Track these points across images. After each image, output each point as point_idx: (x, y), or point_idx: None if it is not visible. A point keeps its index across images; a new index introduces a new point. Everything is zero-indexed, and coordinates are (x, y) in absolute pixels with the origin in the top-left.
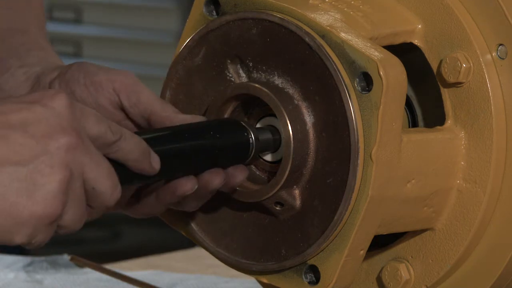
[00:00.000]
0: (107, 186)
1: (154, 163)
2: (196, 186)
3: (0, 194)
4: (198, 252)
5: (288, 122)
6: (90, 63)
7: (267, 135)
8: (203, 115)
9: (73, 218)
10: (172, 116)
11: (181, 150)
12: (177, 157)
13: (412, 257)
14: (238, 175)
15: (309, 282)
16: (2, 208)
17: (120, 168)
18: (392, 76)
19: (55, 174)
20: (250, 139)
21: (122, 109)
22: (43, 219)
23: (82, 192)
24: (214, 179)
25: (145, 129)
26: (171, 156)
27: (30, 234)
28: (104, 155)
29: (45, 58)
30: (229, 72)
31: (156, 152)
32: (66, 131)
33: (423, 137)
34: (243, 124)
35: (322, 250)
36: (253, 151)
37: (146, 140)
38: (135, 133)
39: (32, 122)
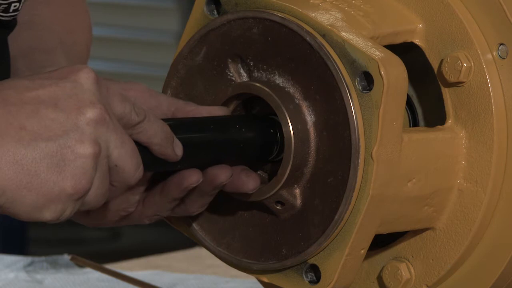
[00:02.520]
0: (130, 164)
1: (177, 149)
2: (201, 180)
3: (33, 171)
4: (199, 252)
5: (289, 121)
6: (102, 77)
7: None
8: None
9: (97, 194)
10: (197, 109)
11: (205, 140)
12: (200, 147)
13: (412, 256)
14: (251, 182)
15: (309, 281)
16: (34, 185)
17: (143, 151)
18: (393, 76)
19: (84, 149)
20: (275, 135)
21: None
22: (73, 195)
23: (107, 168)
24: (221, 174)
25: (170, 118)
26: (194, 145)
27: (60, 210)
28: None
29: None
30: (230, 72)
31: (180, 139)
32: (95, 105)
33: (424, 136)
34: (270, 120)
35: (323, 249)
36: (278, 148)
37: (171, 126)
38: (168, 119)
39: (62, 97)
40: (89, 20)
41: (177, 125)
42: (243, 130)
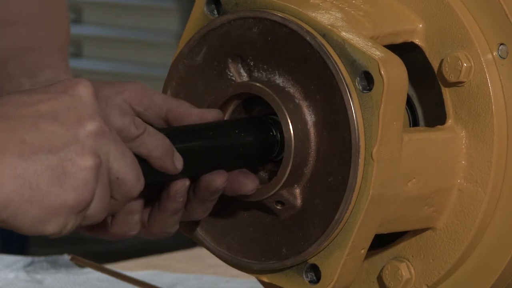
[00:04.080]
0: (131, 176)
1: (177, 162)
2: (188, 183)
3: (34, 184)
4: (198, 252)
5: (289, 121)
6: (95, 80)
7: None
8: None
9: (99, 207)
10: (189, 111)
11: (204, 148)
12: (199, 156)
13: (413, 256)
14: (249, 183)
15: (310, 281)
16: (37, 198)
17: (142, 164)
18: (393, 75)
19: (85, 162)
20: (276, 136)
21: (137, 116)
22: (74, 208)
23: (108, 181)
24: (216, 180)
25: (169, 126)
26: (194, 154)
27: (62, 223)
28: None
29: (57, 77)
30: (230, 71)
31: (179, 149)
32: (94, 118)
33: (424, 136)
34: (267, 121)
35: (323, 249)
36: (278, 148)
37: (170, 137)
38: (159, 129)
39: (61, 111)
40: (68, 25)
41: (176, 134)
42: (242, 134)
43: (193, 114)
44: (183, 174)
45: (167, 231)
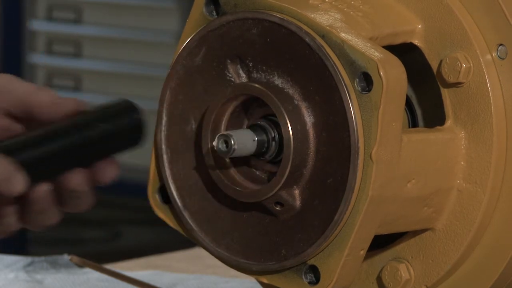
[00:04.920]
0: None
1: (17, 185)
2: (48, 188)
3: None
4: (198, 252)
5: (288, 122)
6: None
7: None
8: (203, 115)
9: None
10: (50, 105)
11: (56, 151)
12: (53, 159)
13: (412, 257)
14: (109, 171)
15: (309, 282)
16: None
17: None
18: (392, 76)
19: None
20: (140, 118)
21: (6, 114)
22: None
23: None
24: (71, 181)
25: (18, 137)
26: (46, 160)
27: None
28: None
29: None
30: (229, 72)
31: (28, 160)
32: None
33: (423, 137)
34: (132, 104)
35: (322, 250)
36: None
37: (18, 149)
38: (7, 140)
39: None
40: None
41: (24, 145)
42: (97, 125)
43: (57, 107)
44: (40, 179)
45: (48, 223)
